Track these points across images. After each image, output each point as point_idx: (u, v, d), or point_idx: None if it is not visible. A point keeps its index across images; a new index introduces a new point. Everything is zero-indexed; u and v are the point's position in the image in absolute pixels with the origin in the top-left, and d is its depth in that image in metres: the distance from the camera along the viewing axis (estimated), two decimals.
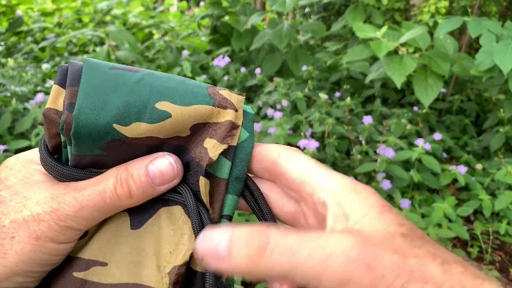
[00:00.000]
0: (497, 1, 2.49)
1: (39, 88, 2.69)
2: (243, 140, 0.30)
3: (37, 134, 1.85)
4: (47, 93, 2.55)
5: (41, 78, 2.84)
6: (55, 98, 0.28)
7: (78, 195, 0.27)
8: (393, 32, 1.87)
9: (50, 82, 2.75)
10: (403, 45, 1.82)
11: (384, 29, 1.81)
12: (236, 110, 0.29)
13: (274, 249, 0.20)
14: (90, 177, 0.28)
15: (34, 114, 1.98)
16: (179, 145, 0.29)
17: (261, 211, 0.30)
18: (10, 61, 2.73)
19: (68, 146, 0.28)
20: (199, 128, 0.28)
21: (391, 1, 2.63)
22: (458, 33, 2.65)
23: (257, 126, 1.83)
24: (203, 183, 0.28)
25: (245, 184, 0.30)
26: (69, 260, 0.29)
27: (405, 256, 0.20)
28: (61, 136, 0.28)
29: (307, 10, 3.79)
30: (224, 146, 0.28)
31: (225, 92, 0.29)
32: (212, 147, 0.28)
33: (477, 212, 1.75)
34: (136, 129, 0.27)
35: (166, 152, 0.28)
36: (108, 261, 0.28)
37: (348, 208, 0.23)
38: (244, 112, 0.30)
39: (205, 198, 0.29)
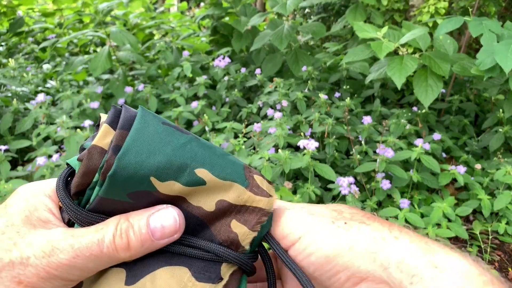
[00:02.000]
0: (496, 1, 2.50)
1: (40, 88, 2.69)
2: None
3: (38, 134, 1.85)
4: (48, 93, 2.56)
5: (42, 79, 2.84)
6: (103, 137, 0.28)
7: (74, 242, 0.25)
8: (393, 32, 1.87)
9: (50, 83, 2.75)
10: (403, 45, 1.82)
11: (385, 29, 1.81)
12: (270, 196, 0.30)
13: None
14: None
15: (35, 114, 1.99)
16: (198, 217, 0.29)
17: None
18: (11, 62, 2.74)
19: (96, 187, 0.27)
20: (225, 208, 0.29)
21: (390, 1, 2.64)
22: (458, 34, 2.66)
23: (257, 126, 1.84)
24: (226, 269, 0.29)
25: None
26: None
27: None
28: (95, 175, 0.27)
29: (307, 10, 3.79)
30: (254, 234, 0.29)
31: (258, 178, 0.30)
32: (242, 234, 0.29)
33: (476, 212, 1.76)
34: (170, 187, 0.27)
35: (169, 205, 0.28)
36: None
37: None
38: None
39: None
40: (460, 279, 0.23)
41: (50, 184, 0.29)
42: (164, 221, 0.27)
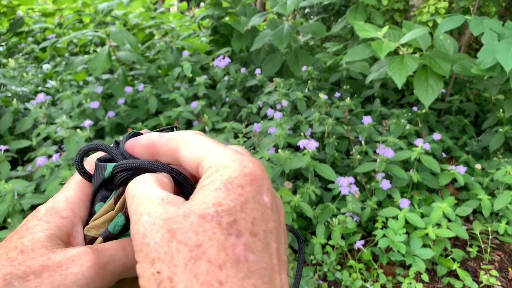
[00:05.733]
0: (497, 1, 2.50)
1: (39, 88, 2.69)
2: None
3: (38, 134, 1.85)
4: (47, 93, 2.55)
5: (41, 79, 2.84)
6: None
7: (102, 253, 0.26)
8: (394, 32, 1.87)
9: (50, 83, 2.75)
10: (403, 45, 1.82)
11: (386, 29, 1.81)
12: None
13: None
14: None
15: (35, 114, 1.99)
16: None
17: None
18: (11, 62, 2.74)
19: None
20: None
21: (390, 1, 2.64)
22: (458, 34, 2.66)
23: (257, 126, 1.84)
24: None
25: None
26: None
27: (171, 236, 0.21)
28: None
29: (307, 10, 3.79)
30: None
31: None
32: None
33: (476, 212, 1.76)
34: None
35: None
36: None
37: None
38: None
39: None
40: None
41: (61, 199, 0.29)
42: None
